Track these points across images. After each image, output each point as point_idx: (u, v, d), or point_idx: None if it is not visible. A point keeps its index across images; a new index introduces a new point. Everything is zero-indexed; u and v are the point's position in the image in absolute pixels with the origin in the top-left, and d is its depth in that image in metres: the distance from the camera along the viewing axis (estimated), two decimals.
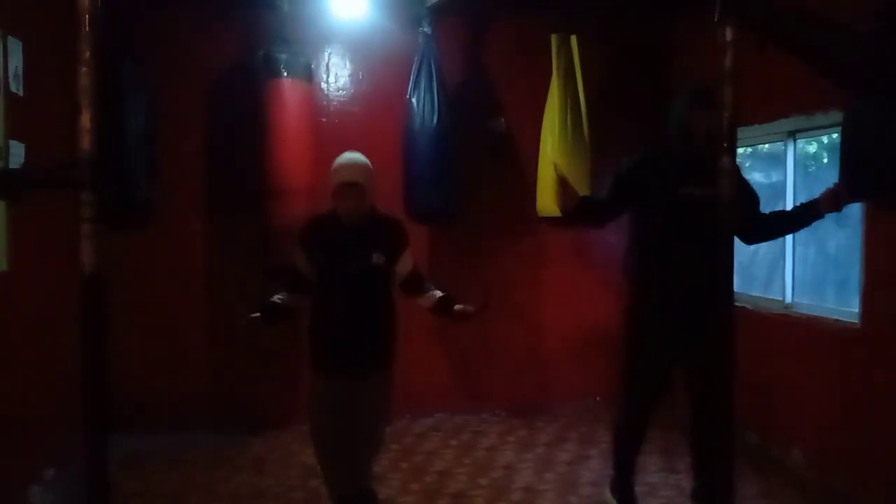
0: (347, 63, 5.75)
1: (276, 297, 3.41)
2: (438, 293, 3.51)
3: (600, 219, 3.97)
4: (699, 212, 3.48)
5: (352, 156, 3.41)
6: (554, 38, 5.45)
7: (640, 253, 3.75)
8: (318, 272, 3.41)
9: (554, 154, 5.41)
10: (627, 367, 3.80)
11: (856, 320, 3.91)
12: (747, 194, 3.63)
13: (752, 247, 4.37)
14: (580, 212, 3.64)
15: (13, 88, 3.81)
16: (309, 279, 3.42)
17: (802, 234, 4.63)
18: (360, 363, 3.37)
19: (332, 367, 3.38)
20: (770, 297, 4.78)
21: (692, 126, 3.50)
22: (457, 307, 3.45)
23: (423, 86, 5.32)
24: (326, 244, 3.39)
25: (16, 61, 3.84)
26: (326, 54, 5.71)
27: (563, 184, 3.56)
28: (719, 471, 3.68)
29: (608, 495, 3.95)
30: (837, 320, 4.10)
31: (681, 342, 3.63)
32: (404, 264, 3.46)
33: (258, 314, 3.34)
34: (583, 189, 5.33)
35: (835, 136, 4.14)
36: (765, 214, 3.75)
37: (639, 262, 3.75)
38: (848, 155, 3.61)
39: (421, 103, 5.31)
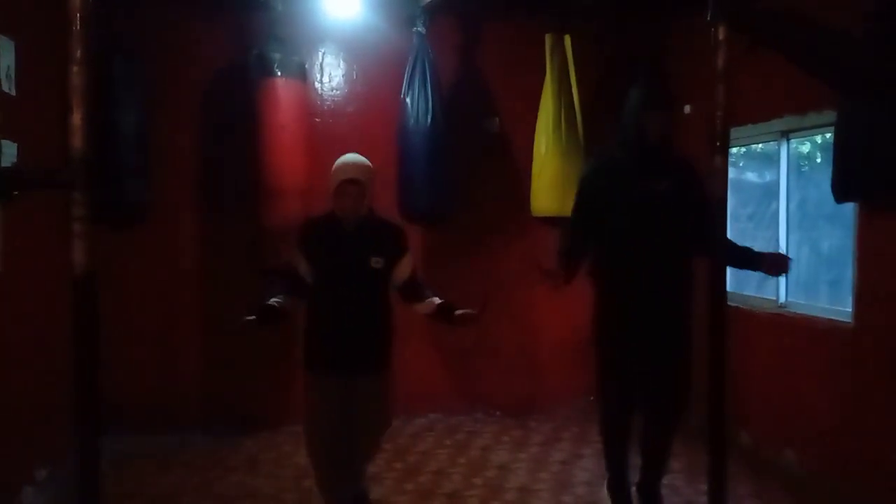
0: (341, 62, 5.74)
1: (272, 300, 3.38)
2: (437, 300, 3.48)
3: (583, 248, 3.82)
4: (657, 207, 3.55)
5: (353, 156, 3.41)
6: (548, 39, 5.45)
7: (603, 252, 3.74)
8: (315, 274, 3.39)
9: (548, 153, 5.42)
10: (601, 365, 3.82)
11: (849, 320, 3.92)
12: (705, 207, 3.62)
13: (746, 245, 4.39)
14: (571, 263, 3.67)
15: (5, 88, 3.80)
16: (305, 281, 3.41)
17: (796, 233, 4.65)
18: (356, 365, 3.36)
19: (327, 369, 3.37)
20: (763, 296, 4.79)
21: (645, 124, 3.54)
22: (458, 312, 3.41)
23: (417, 85, 5.32)
24: (324, 246, 3.38)
25: (8, 60, 3.82)
26: (320, 54, 5.71)
27: (549, 275, 3.63)
28: (662, 465, 3.83)
29: (604, 493, 3.96)
30: (831, 320, 4.11)
31: (645, 337, 3.65)
32: (403, 269, 3.44)
33: (253, 317, 3.31)
34: (576, 187, 5.36)
35: (828, 135, 4.15)
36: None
37: (603, 260, 3.75)
38: (841, 154, 3.62)
39: (415, 103, 5.30)
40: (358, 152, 3.44)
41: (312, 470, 3.46)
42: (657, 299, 3.62)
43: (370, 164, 3.40)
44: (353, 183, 3.29)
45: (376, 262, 3.34)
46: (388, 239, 3.43)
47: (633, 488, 3.90)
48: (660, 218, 3.60)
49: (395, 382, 3.54)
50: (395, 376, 3.53)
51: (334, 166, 3.36)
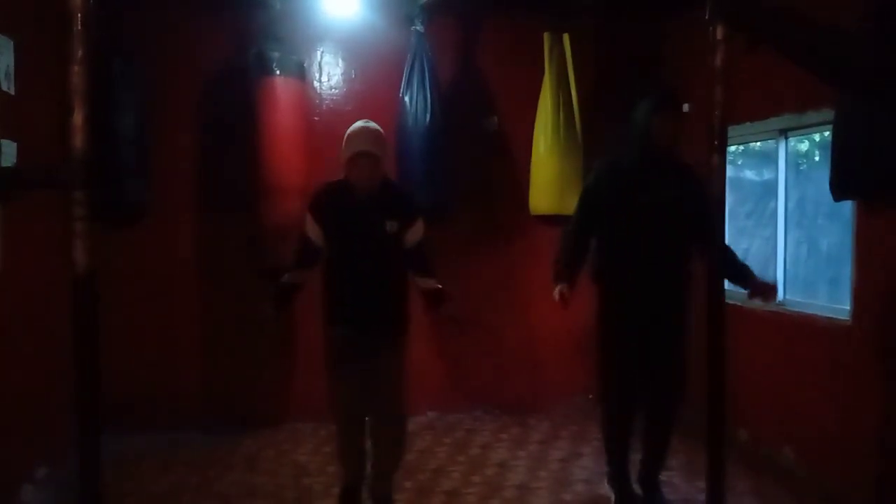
0: (340, 61, 5.74)
1: (284, 279, 3.47)
2: (436, 284, 3.55)
3: (582, 253, 3.91)
4: (661, 213, 3.60)
5: (365, 124, 3.42)
6: (546, 37, 5.46)
7: (607, 257, 3.83)
8: (330, 239, 3.43)
9: (546, 152, 5.42)
10: (603, 362, 3.91)
11: (847, 317, 3.93)
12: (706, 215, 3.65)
13: (744, 245, 4.41)
14: (566, 272, 3.77)
15: (4, 87, 3.80)
16: (318, 248, 3.45)
17: (794, 232, 4.65)
18: (374, 323, 3.41)
19: (347, 321, 3.42)
20: None
21: (655, 132, 3.60)
22: (445, 307, 3.49)
23: (415, 84, 5.32)
24: (339, 213, 3.41)
25: (7, 60, 3.82)
26: (319, 53, 5.70)
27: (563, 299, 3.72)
28: (662, 457, 3.92)
29: (605, 488, 4.00)
30: (829, 318, 4.11)
31: (646, 334, 3.75)
32: (414, 233, 3.49)
33: (274, 303, 3.40)
34: (575, 187, 5.36)
35: (826, 134, 4.15)
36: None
37: (606, 265, 3.84)
38: (839, 153, 3.63)
39: (414, 102, 5.30)
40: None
41: (336, 430, 3.56)
42: (658, 300, 3.72)
43: (382, 131, 3.41)
44: (367, 156, 3.30)
45: (391, 227, 3.40)
46: (400, 205, 3.48)
47: (635, 483, 3.97)
48: (663, 224, 3.65)
49: (409, 350, 3.60)
50: (410, 345, 3.59)
51: (347, 134, 3.37)
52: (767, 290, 3.77)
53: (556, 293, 3.75)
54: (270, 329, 3.59)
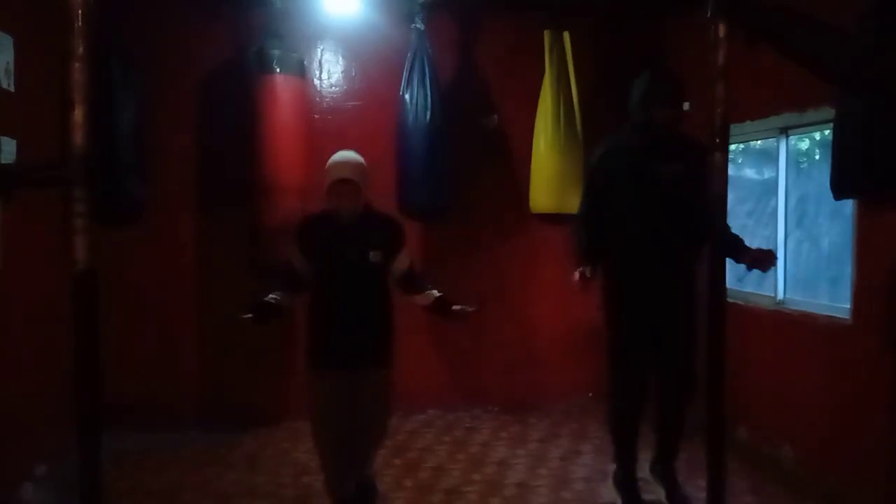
0: (340, 59, 5.73)
1: (270, 297, 3.41)
2: (436, 292, 3.52)
3: (599, 235, 3.79)
4: (667, 190, 3.56)
5: (345, 154, 3.42)
6: (547, 35, 5.45)
7: (613, 235, 3.74)
8: (314, 270, 3.41)
9: (547, 150, 5.42)
10: (612, 350, 3.85)
11: (847, 316, 3.93)
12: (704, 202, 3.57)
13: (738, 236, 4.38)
14: (591, 258, 3.68)
15: (4, 84, 3.79)
16: (303, 277, 3.43)
17: (794, 230, 4.65)
18: (359, 359, 3.39)
19: (332, 364, 3.39)
20: (762, 293, 4.79)
21: (654, 107, 3.57)
22: (455, 307, 3.47)
23: (416, 82, 5.31)
24: (322, 242, 3.39)
25: (6, 56, 3.82)
26: (319, 50, 5.70)
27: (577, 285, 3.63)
28: (675, 446, 3.89)
29: (609, 485, 3.98)
30: (829, 316, 4.11)
31: (656, 318, 3.70)
32: (401, 262, 3.48)
33: (249, 315, 3.33)
34: (575, 185, 5.35)
35: (827, 132, 4.15)
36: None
37: (615, 247, 3.75)
38: (840, 151, 3.62)
39: (414, 100, 5.30)
40: (356, 149, 3.45)
41: (321, 465, 3.48)
42: (668, 281, 3.66)
43: (363, 161, 3.40)
44: (346, 182, 3.30)
45: (375, 256, 3.37)
46: (385, 233, 3.46)
47: (648, 471, 3.99)
48: (670, 201, 3.61)
49: (396, 377, 3.56)
50: (397, 371, 3.55)
51: (327, 165, 3.37)
52: (763, 256, 3.51)
53: (576, 274, 3.63)
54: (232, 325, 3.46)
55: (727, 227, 3.51)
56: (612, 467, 4.01)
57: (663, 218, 3.62)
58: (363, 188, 3.35)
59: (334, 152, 3.51)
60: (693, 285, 3.74)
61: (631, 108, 3.69)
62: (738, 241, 3.58)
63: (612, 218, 3.71)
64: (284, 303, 3.43)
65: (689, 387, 3.80)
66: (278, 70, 4.99)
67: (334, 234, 3.38)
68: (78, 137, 1.85)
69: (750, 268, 3.63)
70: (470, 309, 3.47)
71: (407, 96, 5.32)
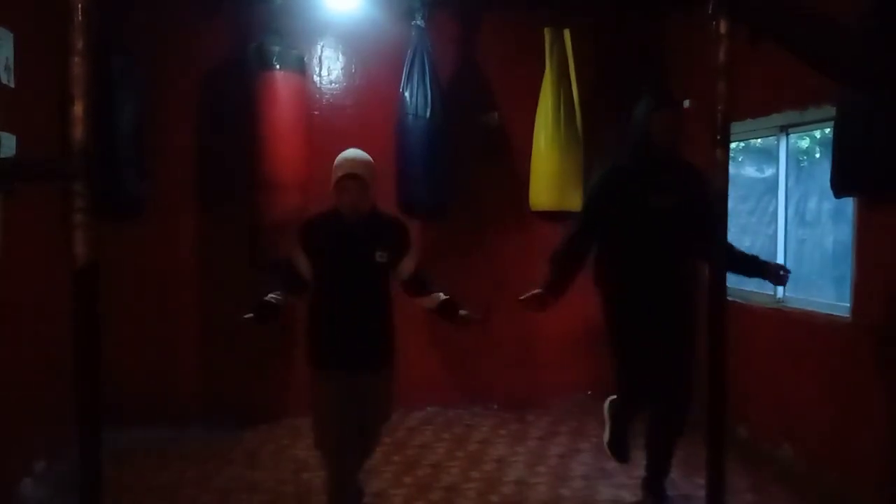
0: (340, 56, 5.73)
1: (270, 296, 3.40)
2: (442, 296, 3.52)
3: (583, 256, 3.81)
4: (666, 218, 3.58)
5: (354, 151, 3.41)
6: (547, 33, 5.45)
7: (613, 262, 3.78)
8: (318, 270, 3.40)
9: (547, 148, 5.42)
10: (615, 365, 3.87)
11: (847, 315, 3.93)
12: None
13: (745, 242, 4.39)
14: (562, 273, 3.72)
15: (4, 80, 3.79)
16: (306, 278, 3.42)
17: (795, 228, 4.65)
18: (360, 361, 3.38)
19: (334, 364, 3.38)
20: (762, 291, 4.79)
21: (654, 134, 3.58)
22: (461, 313, 3.48)
23: (416, 79, 5.31)
24: (328, 242, 3.38)
25: (6, 52, 3.82)
26: (319, 47, 5.70)
27: (533, 302, 3.67)
28: (666, 461, 3.92)
29: (605, 446, 4.02)
30: (829, 315, 4.11)
31: (654, 342, 3.70)
32: (407, 265, 3.47)
33: (251, 315, 3.34)
34: (575, 182, 5.36)
35: (827, 130, 4.15)
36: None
37: (613, 271, 3.79)
38: (840, 150, 3.62)
39: (414, 97, 5.29)
40: (357, 146, 3.44)
41: (323, 465, 3.47)
42: (664, 306, 3.67)
43: (371, 159, 3.40)
44: (354, 178, 3.29)
45: (381, 257, 3.36)
46: (391, 234, 3.45)
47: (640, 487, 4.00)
48: (668, 229, 3.63)
49: (396, 379, 3.56)
50: (397, 372, 3.56)
51: (335, 162, 3.36)
52: (781, 272, 3.80)
53: (533, 294, 3.67)
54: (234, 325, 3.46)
55: (736, 249, 3.62)
56: (605, 435, 4.01)
57: (659, 246, 3.63)
58: (371, 185, 3.34)
59: (334, 149, 3.50)
60: (690, 309, 3.74)
61: (631, 129, 3.70)
62: (754, 260, 3.78)
63: (607, 244, 3.75)
64: (285, 302, 3.43)
65: (682, 414, 3.81)
66: (278, 67, 4.99)
67: (340, 233, 3.37)
68: (78, 132, 1.84)
69: (772, 281, 3.84)
70: (476, 317, 3.53)
71: (407, 93, 5.31)
